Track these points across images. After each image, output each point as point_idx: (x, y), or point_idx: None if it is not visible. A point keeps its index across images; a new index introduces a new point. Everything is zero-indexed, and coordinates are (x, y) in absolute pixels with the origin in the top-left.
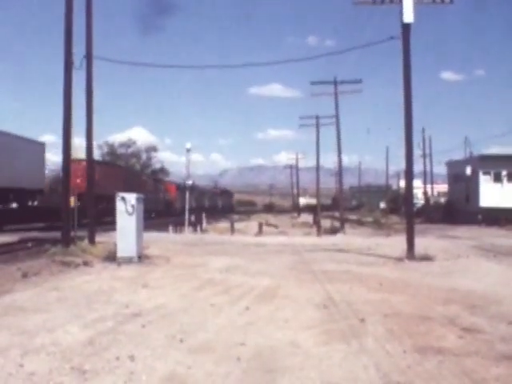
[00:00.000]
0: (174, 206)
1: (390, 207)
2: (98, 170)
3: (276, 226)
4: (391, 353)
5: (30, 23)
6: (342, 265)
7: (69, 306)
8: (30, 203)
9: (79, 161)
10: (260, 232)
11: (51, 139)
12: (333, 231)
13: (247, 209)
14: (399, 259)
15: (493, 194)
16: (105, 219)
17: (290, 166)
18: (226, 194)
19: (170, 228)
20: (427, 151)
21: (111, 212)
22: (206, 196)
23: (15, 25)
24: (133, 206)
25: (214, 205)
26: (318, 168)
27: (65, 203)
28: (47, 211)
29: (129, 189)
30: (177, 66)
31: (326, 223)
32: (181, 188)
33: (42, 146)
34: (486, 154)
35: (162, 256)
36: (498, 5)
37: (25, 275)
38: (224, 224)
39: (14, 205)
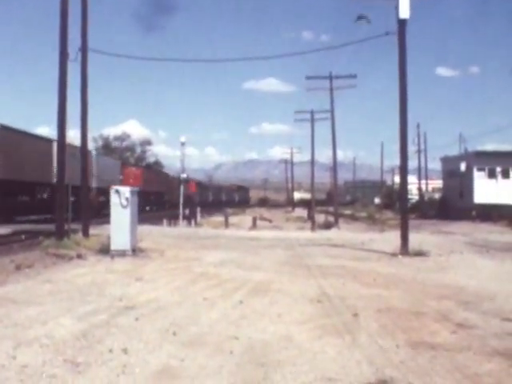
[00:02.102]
0: (193, 199)
1: (385, 203)
2: (144, 173)
3: (270, 221)
4: (384, 348)
5: (25, 13)
6: (336, 260)
7: (62, 298)
8: (39, 196)
9: (131, 166)
10: (254, 226)
11: (45, 131)
12: (327, 226)
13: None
14: (393, 254)
15: (487, 190)
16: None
17: (285, 161)
18: (243, 189)
19: (165, 221)
20: (422, 147)
21: (152, 202)
22: (223, 191)
23: (9, 15)
24: (127, 199)
25: (231, 199)
26: (312, 163)
27: (59, 196)
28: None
29: (161, 186)
30: (171, 59)
31: (320, 218)
32: (200, 185)
33: (50, 142)
34: (480, 150)
35: (156, 249)
36: (494, 1)
37: (18, 267)
38: (218, 218)
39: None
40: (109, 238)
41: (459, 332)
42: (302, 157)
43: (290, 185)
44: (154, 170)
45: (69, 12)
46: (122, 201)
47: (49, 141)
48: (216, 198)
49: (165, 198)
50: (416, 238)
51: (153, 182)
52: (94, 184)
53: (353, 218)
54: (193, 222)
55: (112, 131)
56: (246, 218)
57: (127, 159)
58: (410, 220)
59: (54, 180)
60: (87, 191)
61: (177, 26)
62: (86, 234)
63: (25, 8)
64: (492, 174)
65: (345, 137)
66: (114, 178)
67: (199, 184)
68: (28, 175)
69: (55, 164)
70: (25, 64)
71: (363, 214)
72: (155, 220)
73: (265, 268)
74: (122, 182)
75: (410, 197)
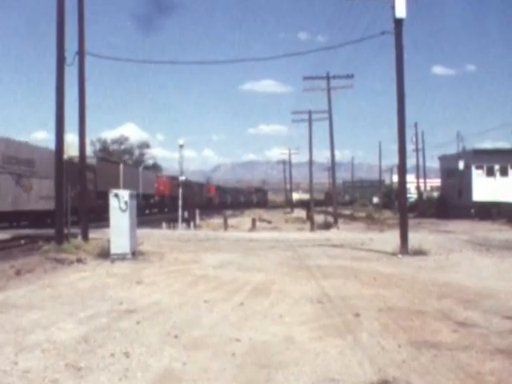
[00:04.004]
0: (213, 201)
1: (383, 202)
2: (171, 181)
3: (269, 222)
4: (386, 347)
5: (23, 18)
6: (336, 260)
7: (63, 302)
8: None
9: (161, 176)
10: (253, 228)
11: (43, 136)
12: (326, 226)
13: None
14: (393, 254)
15: (486, 188)
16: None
17: (283, 162)
18: (261, 191)
19: (164, 224)
20: (420, 146)
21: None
22: (241, 194)
23: (6, 20)
24: (126, 203)
25: (250, 200)
26: (310, 163)
27: (58, 201)
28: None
29: (183, 191)
30: (167, 62)
31: (319, 218)
32: (219, 189)
33: (118, 164)
34: (478, 148)
35: (156, 252)
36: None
37: (18, 272)
38: (217, 220)
39: None
40: (108, 241)
41: (461, 331)
42: (300, 157)
43: (288, 185)
44: (176, 179)
45: (65, 16)
46: (121, 205)
47: (117, 163)
48: (234, 200)
49: (188, 200)
50: (415, 237)
51: (177, 187)
52: (140, 191)
53: (352, 218)
54: (192, 224)
55: (110, 134)
56: (245, 220)
57: (125, 162)
58: (408, 219)
59: (140, 191)
60: (84, 195)
61: (174, 27)
62: (85, 237)
63: (22, 11)
64: (490, 172)
65: (343, 137)
66: (152, 186)
67: (218, 188)
68: (109, 187)
69: (122, 179)
70: (23, 68)
71: (362, 214)
72: (154, 223)
73: (265, 269)
74: (156, 189)
75: (408, 196)
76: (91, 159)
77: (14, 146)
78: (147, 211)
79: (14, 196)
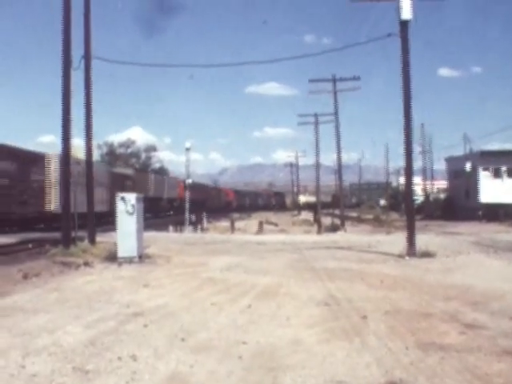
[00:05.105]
0: (231, 204)
1: (390, 204)
2: (194, 187)
3: (276, 225)
4: (393, 350)
5: (29, 21)
6: (343, 262)
7: (70, 306)
8: (161, 203)
9: (179, 179)
10: (260, 230)
11: (50, 139)
12: (333, 229)
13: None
14: (400, 256)
15: (493, 189)
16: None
17: (290, 164)
18: (279, 195)
19: (171, 227)
20: (427, 148)
21: (198, 207)
22: (260, 197)
23: (13, 22)
24: (133, 206)
25: (268, 203)
26: (317, 166)
27: (64, 204)
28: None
29: (203, 195)
30: (172, 65)
31: (326, 221)
32: (238, 192)
33: (163, 176)
34: (485, 149)
35: (163, 255)
36: (494, 1)
37: (25, 276)
38: (224, 223)
39: None
40: (115, 245)
41: (468, 332)
42: (307, 160)
43: (295, 188)
44: (198, 183)
45: (72, 20)
46: (128, 208)
47: (148, 173)
48: (253, 203)
49: (206, 204)
50: (422, 239)
51: (198, 192)
52: (165, 195)
53: (359, 221)
54: (199, 227)
55: (116, 138)
56: (251, 223)
57: (132, 166)
58: (415, 221)
59: (165, 196)
60: (92, 199)
61: (178, 29)
62: (92, 241)
63: (28, 14)
64: (497, 174)
65: (349, 139)
66: (175, 190)
67: (237, 192)
68: (143, 192)
69: (152, 185)
70: (29, 71)
71: (369, 216)
72: (162, 226)
73: (272, 272)
74: (179, 194)
75: (415, 198)
76: (129, 171)
77: (82, 163)
78: (171, 212)
79: (85, 201)
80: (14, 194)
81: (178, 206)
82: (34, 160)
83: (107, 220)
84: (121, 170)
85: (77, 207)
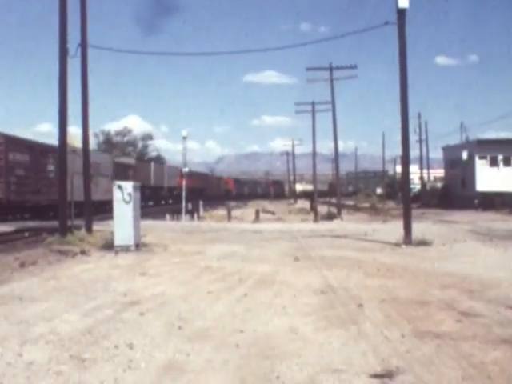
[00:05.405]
0: (231, 193)
1: (387, 193)
2: (193, 176)
3: (273, 213)
4: (390, 338)
5: (26, 8)
6: (340, 251)
7: (67, 294)
8: (161, 192)
9: (179, 168)
10: (257, 219)
11: (47, 128)
12: (330, 217)
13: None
14: (396, 244)
15: (489, 178)
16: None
17: (286, 153)
18: (278, 183)
19: (167, 216)
20: (423, 136)
21: (197, 195)
22: (258, 186)
23: (8, 9)
24: (130, 195)
25: (267, 192)
26: (314, 154)
27: (61, 192)
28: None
29: (203, 184)
30: (169, 53)
31: (322, 209)
32: (237, 181)
33: (163, 165)
34: (482, 138)
35: (160, 244)
36: None
37: (22, 265)
38: (221, 211)
39: None
40: (112, 233)
41: (464, 321)
42: (304, 148)
43: (291, 177)
44: (198, 172)
45: (68, 8)
46: (124, 196)
47: (149, 162)
48: (252, 192)
49: (206, 192)
50: (419, 228)
51: (197, 181)
52: (165, 184)
53: (355, 209)
54: (195, 215)
55: (113, 126)
56: (248, 211)
57: (129, 154)
58: (412, 209)
59: (165, 185)
60: (89, 188)
61: (176, 20)
62: (89, 230)
63: (25, 3)
64: (494, 162)
65: (346, 127)
66: (175, 179)
67: (236, 180)
68: (144, 181)
69: (152, 174)
70: (26, 61)
71: (366, 205)
72: (158, 215)
73: (269, 260)
74: (179, 182)
75: (411, 186)
76: (131, 160)
77: (92, 155)
78: (171, 201)
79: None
80: (29, 183)
81: (177, 194)
82: (47, 152)
83: (111, 208)
84: (123, 159)
85: (80, 196)
